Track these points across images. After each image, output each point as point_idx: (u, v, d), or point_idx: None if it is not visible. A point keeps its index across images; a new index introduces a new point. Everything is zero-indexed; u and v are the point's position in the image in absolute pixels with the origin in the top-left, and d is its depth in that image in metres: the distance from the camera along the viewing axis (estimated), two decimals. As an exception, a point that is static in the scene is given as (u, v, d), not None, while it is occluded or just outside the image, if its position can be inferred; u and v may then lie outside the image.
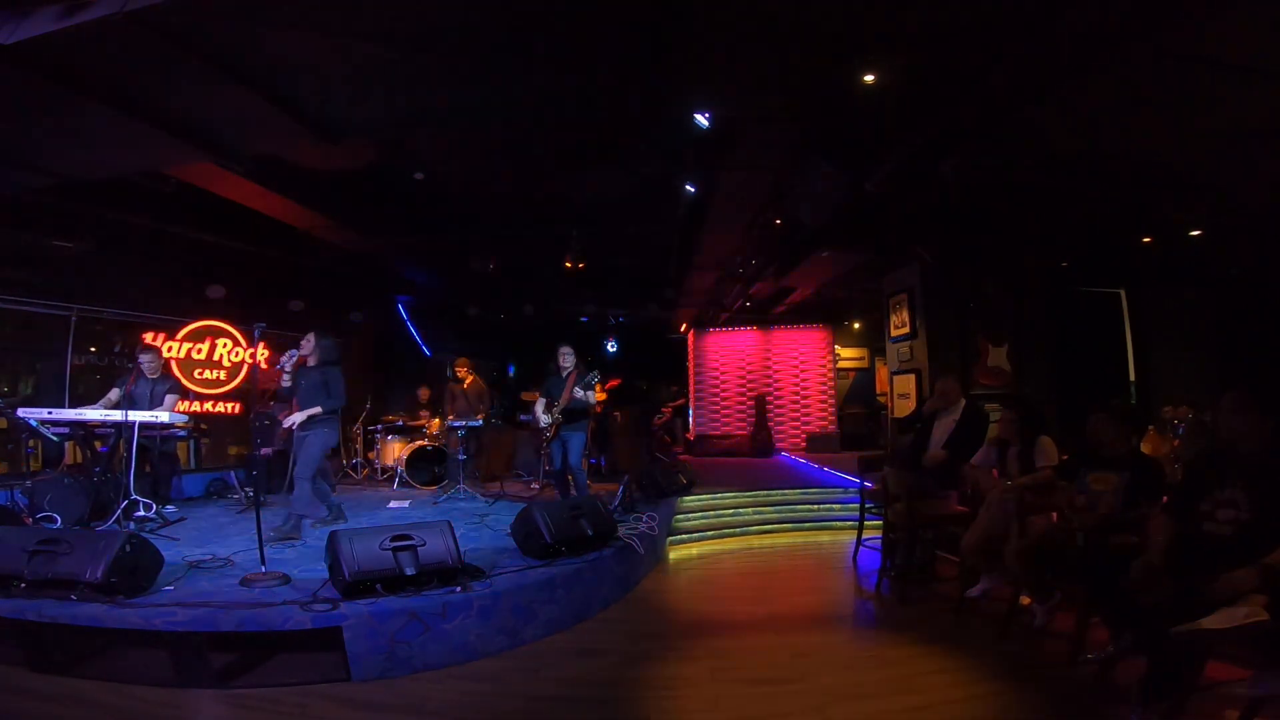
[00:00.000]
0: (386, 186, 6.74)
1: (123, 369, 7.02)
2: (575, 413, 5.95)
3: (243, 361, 8.10)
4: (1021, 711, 2.88)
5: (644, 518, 5.66)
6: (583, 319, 12.92)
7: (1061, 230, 6.67)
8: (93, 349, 7.40)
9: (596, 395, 5.96)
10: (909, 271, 7.79)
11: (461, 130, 5.46)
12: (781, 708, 2.95)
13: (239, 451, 8.70)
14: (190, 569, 4.08)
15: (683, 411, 13.62)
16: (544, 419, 6.07)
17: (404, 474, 7.86)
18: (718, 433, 12.37)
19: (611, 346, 13.82)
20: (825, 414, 12.29)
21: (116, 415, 5.33)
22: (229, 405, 8.14)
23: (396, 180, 6.56)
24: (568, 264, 8.44)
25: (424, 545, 3.68)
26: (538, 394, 6.40)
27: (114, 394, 5.71)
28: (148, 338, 7.19)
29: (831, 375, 12.41)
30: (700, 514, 6.96)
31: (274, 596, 3.48)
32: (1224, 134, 4.44)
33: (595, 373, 5.98)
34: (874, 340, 12.25)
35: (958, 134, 4.46)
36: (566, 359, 6.09)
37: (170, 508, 6.08)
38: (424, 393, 9.12)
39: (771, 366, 12.49)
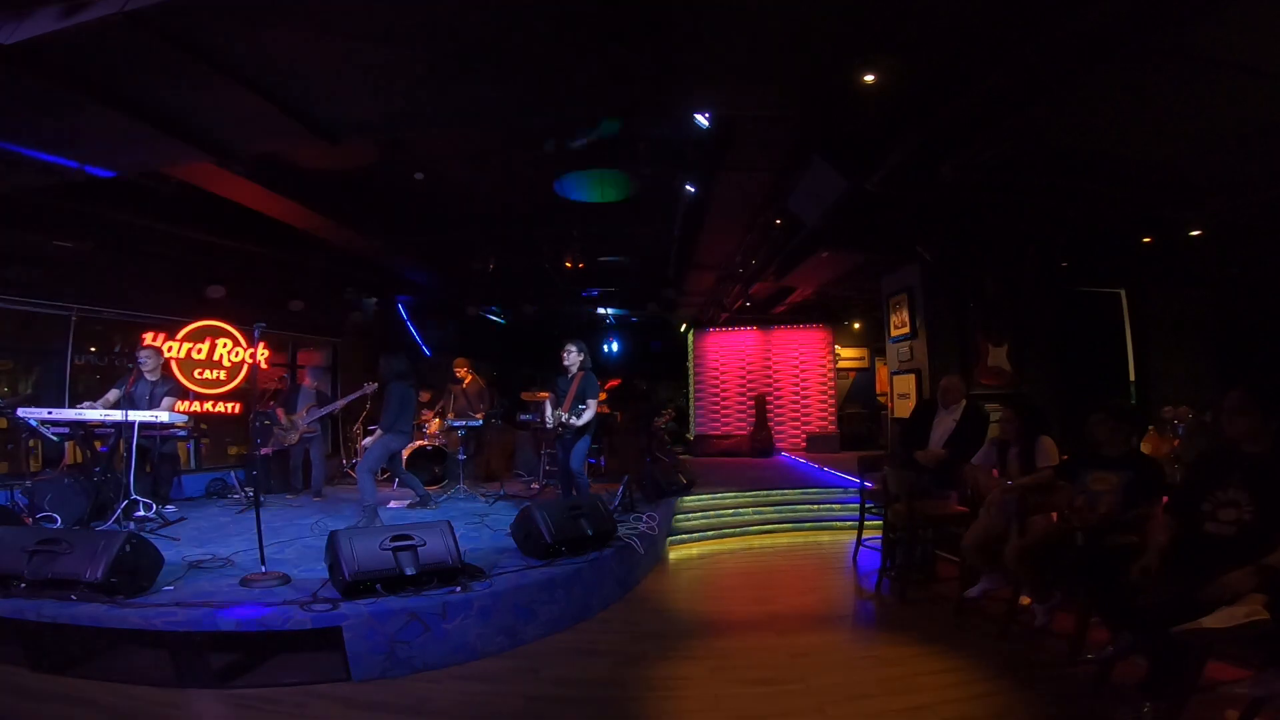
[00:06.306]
0: (386, 186, 6.74)
1: (123, 369, 7.02)
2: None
3: (243, 361, 8.10)
4: (1021, 711, 2.88)
5: (644, 518, 5.66)
6: (582, 318, 12.93)
7: (1061, 230, 6.67)
8: (93, 349, 7.39)
9: (596, 406, 5.74)
10: (909, 271, 7.78)
11: (462, 130, 5.46)
12: (781, 707, 2.95)
13: (239, 451, 8.70)
14: (190, 569, 4.08)
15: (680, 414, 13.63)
16: (549, 420, 5.87)
17: (404, 474, 7.85)
18: (718, 433, 12.37)
19: (611, 346, 13.81)
20: (825, 414, 12.28)
21: (116, 415, 5.33)
22: (229, 405, 8.14)
23: (396, 180, 6.55)
24: (568, 264, 8.45)
25: (424, 545, 3.68)
26: (539, 394, 6.36)
27: (112, 395, 5.71)
28: (148, 338, 7.18)
29: (831, 375, 12.40)
30: (700, 514, 6.96)
31: (274, 596, 3.49)
32: (1224, 134, 4.44)
33: (593, 386, 5.70)
34: (874, 340, 12.24)
35: (958, 134, 4.45)
36: (569, 357, 5.79)
37: (170, 508, 6.08)
38: (424, 395, 9.11)
39: (771, 366, 12.48)
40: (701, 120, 4.70)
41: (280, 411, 7.38)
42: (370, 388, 7.38)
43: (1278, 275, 6.59)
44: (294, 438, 7.34)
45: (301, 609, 3.27)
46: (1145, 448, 5.62)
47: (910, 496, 4.65)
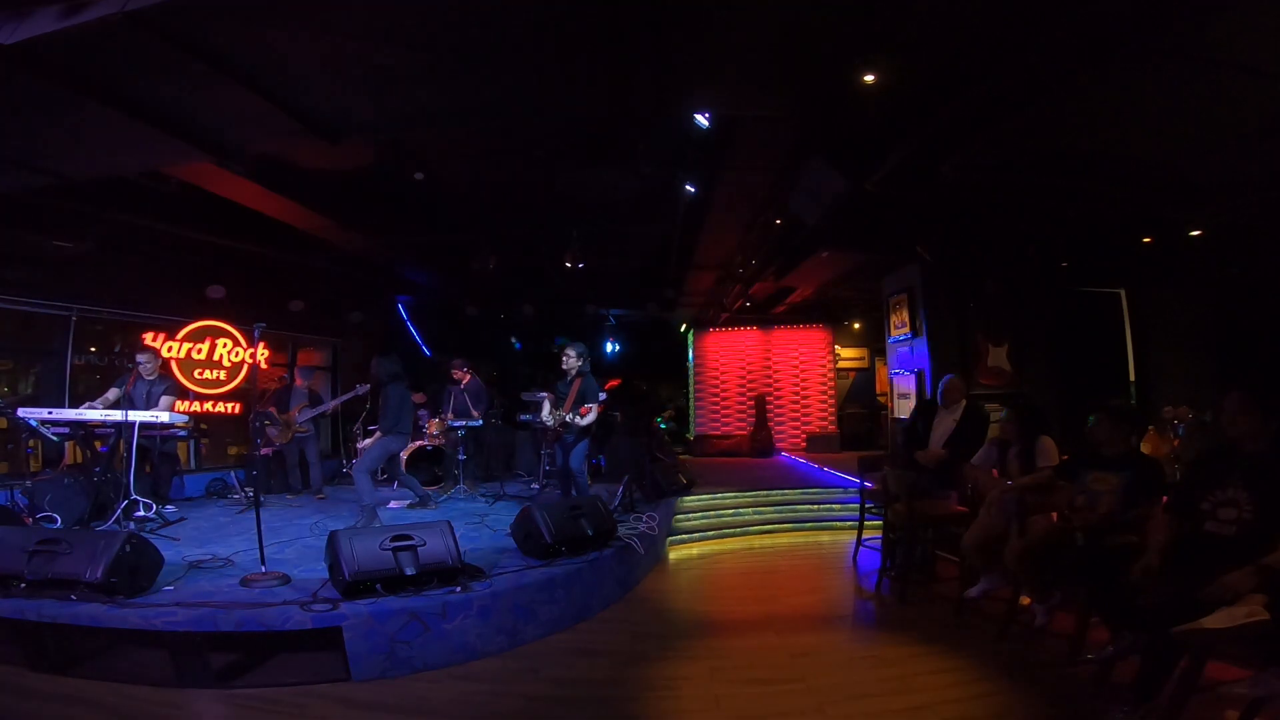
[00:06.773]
0: (386, 186, 6.74)
1: (122, 369, 7.02)
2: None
3: (243, 361, 8.10)
4: (1021, 711, 2.88)
5: (644, 518, 5.66)
6: (583, 318, 12.91)
7: (1061, 230, 6.67)
8: (93, 349, 7.39)
9: (598, 409, 5.74)
10: (909, 271, 7.78)
11: (461, 130, 5.46)
12: (781, 707, 2.95)
13: (239, 451, 8.71)
14: (190, 569, 4.08)
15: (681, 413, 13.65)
16: (548, 419, 5.89)
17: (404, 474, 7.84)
18: (718, 433, 12.37)
19: (611, 346, 13.80)
20: (825, 414, 12.28)
21: (116, 415, 5.34)
22: (229, 405, 8.14)
23: (396, 180, 6.56)
24: (568, 263, 8.44)
25: (424, 545, 3.68)
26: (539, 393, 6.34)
27: (112, 394, 5.71)
28: (148, 338, 7.18)
29: (831, 375, 12.40)
30: (700, 514, 6.97)
31: (274, 596, 3.49)
32: (1224, 134, 4.44)
33: (594, 390, 5.70)
34: (874, 340, 12.23)
35: (958, 134, 4.45)
36: (568, 361, 5.76)
37: (170, 508, 6.08)
38: (419, 397, 9.10)
39: (771, 366, 12.48)
40: (701, 120, 4.70)
41: (274, 410, 7.39)
42: (363, 389, 7.33)
43: (1278, 275, 6.59)
44: (287, 436, 7.35)
45: (301, 609, 3.27)
46: (1145, 448, 5.63)
47: (910, 496, 4.65)
